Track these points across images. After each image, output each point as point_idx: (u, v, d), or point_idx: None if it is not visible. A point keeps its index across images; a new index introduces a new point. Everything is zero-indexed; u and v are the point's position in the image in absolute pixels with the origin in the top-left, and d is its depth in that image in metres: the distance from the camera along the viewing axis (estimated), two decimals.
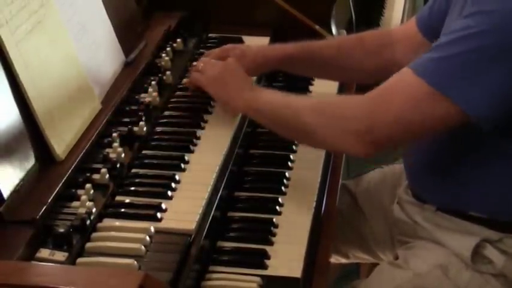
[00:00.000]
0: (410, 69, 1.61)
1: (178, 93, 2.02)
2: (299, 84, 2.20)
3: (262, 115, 1.80)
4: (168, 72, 2.01)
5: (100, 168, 1.61)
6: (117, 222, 1.53)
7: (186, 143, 1.79)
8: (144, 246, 1.45)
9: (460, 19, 1.60)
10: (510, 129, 1.63)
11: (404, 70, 1.63)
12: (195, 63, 2.04)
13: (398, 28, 2.35)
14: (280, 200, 1.75)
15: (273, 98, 1.80)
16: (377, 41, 2.07)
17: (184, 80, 2.03)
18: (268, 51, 2.06)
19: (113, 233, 1.49)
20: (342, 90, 2.22)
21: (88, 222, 1.49)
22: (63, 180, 1.55)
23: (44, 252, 1.40)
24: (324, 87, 2.20)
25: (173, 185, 1.64)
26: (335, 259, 2.12)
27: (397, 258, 1.90)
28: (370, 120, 1.62)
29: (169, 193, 1.62)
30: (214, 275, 1.55)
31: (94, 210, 1.52)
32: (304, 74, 2.18)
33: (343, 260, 2.15)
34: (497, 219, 1.76)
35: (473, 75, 1.54)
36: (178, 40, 2.18)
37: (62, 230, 1.43)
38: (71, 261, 1.41)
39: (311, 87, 2.20)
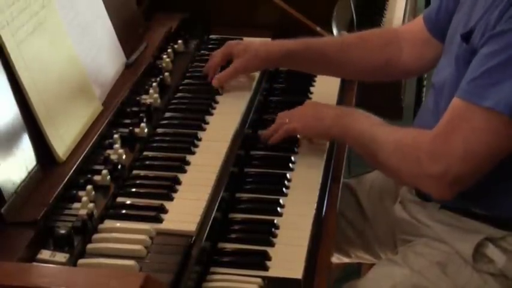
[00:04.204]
0: (469, 101, 1.61)
1: (179, 94, 2.02)
2: (300, 85, 2.20)
3: (356, 145, 1.84)
4: (169, 74, 2.02)
5: (101, 170, 1.62)
6: (118, 224, 1.54)
7: (187, 144, 1.79)
8: (145, 247, 1.46)
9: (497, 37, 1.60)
10: None
11: (460, 104, 1.63)
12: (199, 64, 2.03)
13: (404, 27, 2.35)
14: (281, 201, 1.75)
15: (363, 129, 1.79)
16: (380, 39, 2.07)
17: (264, 134, 1.94)
18: (271, 47, 2.06)
19: (114, 234, 1.49)
20: (343, 90, 2.22)
21: (89, 223, 1.49)
22: (64, 182, 1.55)
23: (45, 254, 1.40)
24: (325, 88, 2.19)
25: (174, 186, 1.64)
26: (337, 258, 2.12)
27: (397, 254, 1.90)
28: (444, 165, 1.63)
29: (170, 194, 1.62)
30: (215, 276, 1.55)
31: (95, 211, 1.52)
32: (306, 70, 2.18)
33: (346, 259, 2.15)
34: (501, 217, 1.76)
35: None
36: (179, 41, 2.19)
37: (63, 231, 1.43)
38: (72, 262, 1.41)
39: (312, 89, 2.20)
